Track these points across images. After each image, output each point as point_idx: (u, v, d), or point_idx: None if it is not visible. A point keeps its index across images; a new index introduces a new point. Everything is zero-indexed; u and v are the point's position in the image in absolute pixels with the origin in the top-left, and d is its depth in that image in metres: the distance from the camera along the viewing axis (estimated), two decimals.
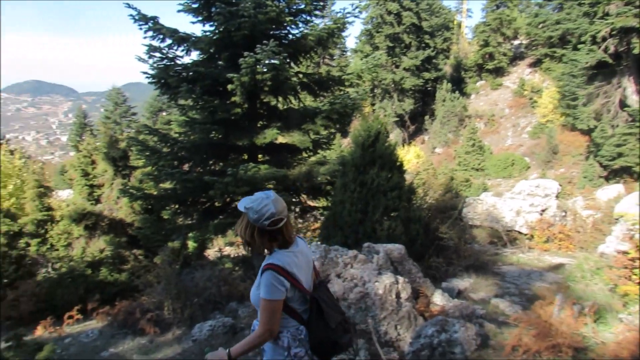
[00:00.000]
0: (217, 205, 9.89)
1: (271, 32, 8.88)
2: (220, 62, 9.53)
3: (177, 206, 9.91)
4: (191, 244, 12.61)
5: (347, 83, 9.64)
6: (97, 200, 12.74)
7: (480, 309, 5.65)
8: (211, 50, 9.36)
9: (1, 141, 28.65)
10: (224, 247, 15.12)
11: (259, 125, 9.34)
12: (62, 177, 38.08)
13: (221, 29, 8.54)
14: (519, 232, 10.17)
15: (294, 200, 9.51)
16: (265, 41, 7.61)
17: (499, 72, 29.48)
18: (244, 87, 7.98)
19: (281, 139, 9.98)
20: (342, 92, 9.59)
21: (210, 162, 9.72)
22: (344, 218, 7.40)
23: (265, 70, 7.75)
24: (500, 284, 7.08)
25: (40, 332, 8.99)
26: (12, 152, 20.65)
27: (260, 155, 9.59)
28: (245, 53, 7.48)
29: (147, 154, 9.33)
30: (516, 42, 31.03)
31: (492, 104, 28.17)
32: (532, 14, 27.42)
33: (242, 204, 2.24)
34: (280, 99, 9.57)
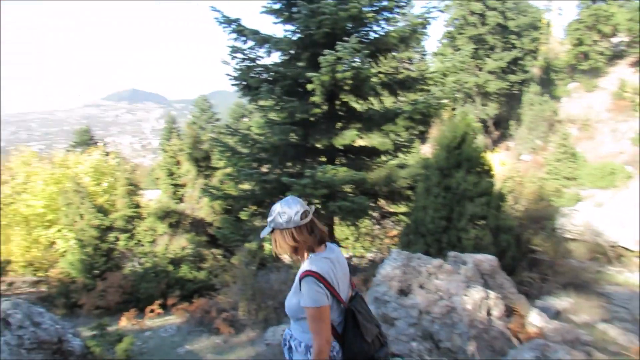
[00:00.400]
0: None
1: (352, 30, 8.59)
2: (300, 63, 9.41)
3: (255, 207, 9.89)
4: (267, 246, 12.63)
5: (430, 82, 9.11)
6: (181, 199, 13.17)
7: (585, 334, 4.92)
8: (292, 51, 9.26)
9: (98, 144, 30.99)
10: None
11: (337, 126, 9.08)
12: (152, 178, 40.63)
13: (302, 28, 8.39)
14: (626, 249, 9.01)
15: (372, 204, 9.11)
16: (346, 38, 7.34)
17: (594, 72, 27.01)
18: (323, 87, 7.75)
19: (360, 141, 9.65)
20: (424, 93, 9.07)
21: (289, 163, 9.59)
22: (426, 225, 6.90)
23: (345, 68, 7.45)
24: (607, 307, 6.21)
25: (124, 322, 9.32)
26: (107, 154, 22.18)
27: (338, 158, 9.32)
28: (326, 51, 7.24)
29: (228, 154, 9.40)
30: (615, 40, 28.34)
31: (586, 107, 25.85)
32: (634, 7, 24.86)
33: (265, 231, 2.22)
34: (360, 99, 9.25)
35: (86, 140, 37.45)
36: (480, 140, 27.86)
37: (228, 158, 9.49)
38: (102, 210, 13.22)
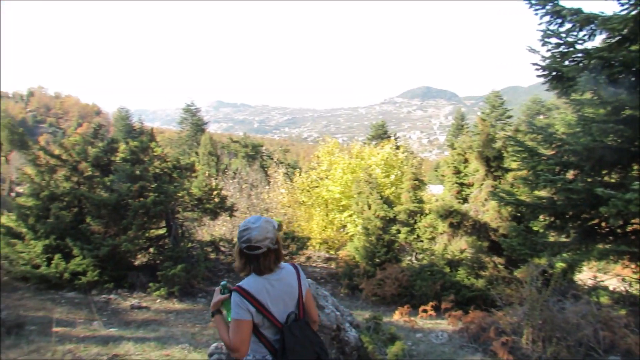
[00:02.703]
0: (604, 225, 7.94)
1: None
2: (634, 47, 7.46)
3: (552, 218, 8.49)
4: (558, 264, 10.87)
5: None
6: (465, 200, 12.58)
7: None
8: (624, 32, 7.42)
9: (391, 137, 33.14)
10: (600, 274, 12.50)
11: None
12: (435, 174, 41.34)
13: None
14: None
15: None
16: None
17: None
18: None
19: None
20: None
21: (605, 171, 7.82)
22: None
23: None
24: None
25: (397, 317, 9.39)
26: (398, 147, 23.38)
27: None
28: None
29: (524, 155, 8.30)
30: None
31: None
32: None
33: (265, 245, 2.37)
34: None
35: (380, 134, 40.76)
36: None
37: (524, 159, 8.40)
38: (388, 202, 13.81)
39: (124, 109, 54.45)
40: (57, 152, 11.62)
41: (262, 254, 2.34)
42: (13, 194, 36.60)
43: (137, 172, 11.23)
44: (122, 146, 12.06)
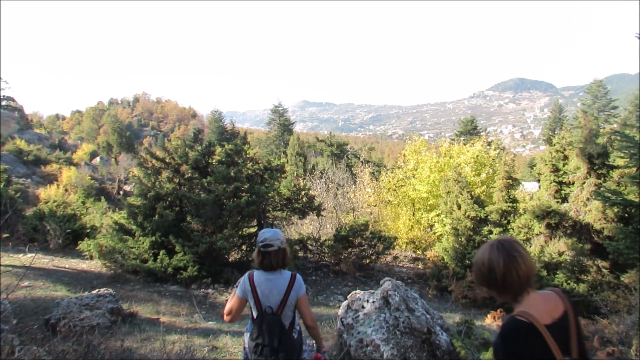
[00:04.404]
0: None
1: None
2: None
3: None
4: None
5: None
6: (564, 199, 11.82)
7: None
8: None
9: (481, 133, 31.83)
10: None
11: None
12: (530, 170, 38.98)
13: None
14: None
15: None
16: None
17: None
18: None
19: None
20: None
21: None
22: None
23: None
24: None
25: (489, 321, 9.12)
26: (489, 144, 22.43)
27: None
28: None
29: (634, 151, 7.66)
30: None
31: None
32: None
33: (274, 245, 3.16)
34: None
35: (470, 130, 39.31)
36: None
37: (633, 156, 7.76)
38: (479, 202, 13.34)
39: (217, 111, 57.47)
40: (161, 155, 12.63)
41: (273, 252, 3.11)
42: (122, 192, 40.22)
43: (232, 174, 11.90)
44: (218, 149, 12.82)
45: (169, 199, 12.04)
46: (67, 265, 12.23)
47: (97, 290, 7.30)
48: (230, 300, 3.17)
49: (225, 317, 3.13)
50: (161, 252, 10.79)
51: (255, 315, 3.10)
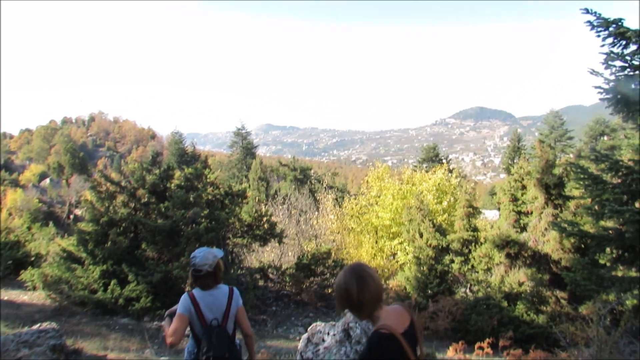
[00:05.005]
0: None
1: None
2: None
3: (620, 251, 8.05)
4: (629, 301, 10.18)
5: None
6: (523, 228, 12.15)
7: None
8: None
9: (443, 160, 32.66)
10: None
11: None
12: (491, 198, 40.12)
13: None
14: None
15: None
16: None
17: None
18: None
19: None
20: None
21: None
22: None
23: None
24: None
25: (451, 353, 9.10)
26: (450, 171, 22.96)
27: None
28: None
29: (588, 183, 7.95)
30: None
31: None
32: None
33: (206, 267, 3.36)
34: None
35: (432, 157, 40.19)
36: None
37: (588, 187, 8.05)
38: (441, 230, 13.55)
39: (178, 132, 56.52)
40: (116, 178, 12.25)
41: (203, 275, 3.29)
42: (72, 217, 38.71)
43: (191, 199, 11.64)
44: (178, 173, 12.56)
45: (123, 224, 11.64)
46: (6, 297, 11.53)
47: (38, 325, 6.86)
48: (170, 323, 3.29)
49: (169, 339, 3.14)
50: (112, 282, 10.34)
51: (198, 331, 3.27)
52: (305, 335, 5.58)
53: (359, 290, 2.22)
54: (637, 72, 7.19)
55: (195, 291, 3.36)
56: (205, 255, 3.33)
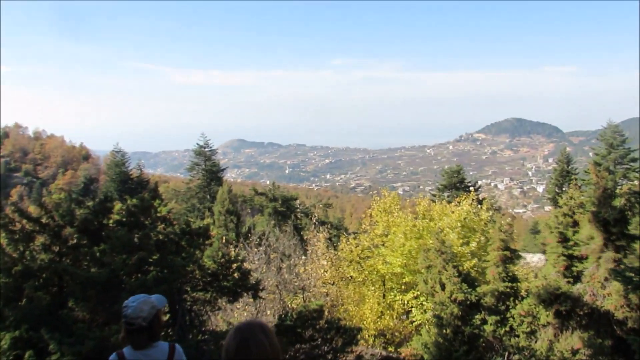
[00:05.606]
0: None
1: None
2: None
3: None
4: None
5: None
6: (577, 278, 12.21)
7: None
8: None
9: (471, 188, 32.91)
10: None
11: None
12: (532, 238, 40.35)
13: None
14: None
15: None
16: None
17: None
18: None
19: None
20: None
21: None
22: None
23: None
24: None
25: None
26: (480, 202, 23.08)
27: None
28: None
29: None
30: None
31: None
32: None
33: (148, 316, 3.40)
34: None
35: (455, 183, 40.51)
36: None
37: None
38: (468, 280, 13.53)
39: (120, 152, 56.61)
40: (35, 213, 12.17)
41: (134, 330, 3.32)
42: None
43: (136, 240, 11.59)
44: (118, 205, 12.52)
45: (44, 275, 11.51)
46: None
47: None
48: None
49: None
50: (27, 354, 10.16)
51: None
52: None
53: (237, 355, 2.32)
54: None
55: (127, 350, 3.38)
56: (139, 305, 3.33)
